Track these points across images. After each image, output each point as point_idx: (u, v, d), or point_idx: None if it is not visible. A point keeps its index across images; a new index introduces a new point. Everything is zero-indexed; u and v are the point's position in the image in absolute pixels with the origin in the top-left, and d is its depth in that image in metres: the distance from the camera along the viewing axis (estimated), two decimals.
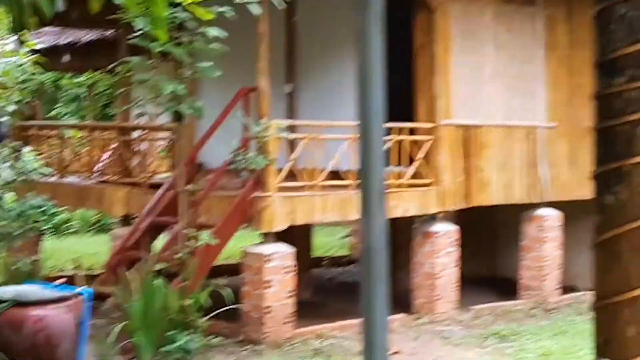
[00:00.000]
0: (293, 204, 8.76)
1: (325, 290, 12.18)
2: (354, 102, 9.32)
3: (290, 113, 11.16)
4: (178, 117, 6.98)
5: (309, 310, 9.62)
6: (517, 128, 10.76)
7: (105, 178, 10.65)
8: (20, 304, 6.32)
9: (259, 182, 8.61)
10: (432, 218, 10.02)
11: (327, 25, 11.21)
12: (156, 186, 9.81)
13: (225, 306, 7.85)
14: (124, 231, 10.10)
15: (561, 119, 11.18)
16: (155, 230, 8.88)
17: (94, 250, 15.44)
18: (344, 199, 9.17)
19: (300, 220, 8.89)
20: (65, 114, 27.45)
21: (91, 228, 17.90)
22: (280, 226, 8.64)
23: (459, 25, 10.16)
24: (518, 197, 10.76)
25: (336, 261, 15.13)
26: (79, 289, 6.48)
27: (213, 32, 6.84)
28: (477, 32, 10.34)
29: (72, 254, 14.85)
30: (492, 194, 10.47)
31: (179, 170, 7.86)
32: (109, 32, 19.41)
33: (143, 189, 9.81)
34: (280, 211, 8.61)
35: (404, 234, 12.64)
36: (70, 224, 17.07)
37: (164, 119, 12.59)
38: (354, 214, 9.32)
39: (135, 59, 7.17)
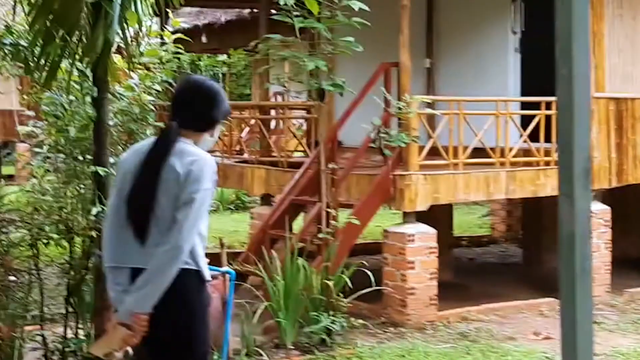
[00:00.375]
0: (436, 183, 8.47)
1: (467, 271, 11.82)
2: (495, 77, 8.94)
3: (429, 88, 10.85)
4: (320, 94, 6.80)
5: (451, 292, 9.31)
6: None
7: (245, 157, 10.67)
8: None
9: (400, 160, 8.36)
10: None
11: None
12: (295, 165, 9.73)
13: (366, 287, 7.69)
14: (264, 210, 10.09)
15: None
16: (295, 209, 8.79)
17: (233, 228, 15.62)
18: (489, 177, 8.81)
19: (442, 200, 8.59)
20: None
21: (229, 206, 18.14)
22: (422, 206, 8.38)
23: None
24: None
25: (476, 241, 14.72)
26: (224, 269, 6.42)
27: (357, 4, 6.61)
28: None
29: (212, 232, 15.02)
30: None
31: (320, 148, 7.70)
32: (246, 11, 19.59)
33: (282, 168, 9.74)
34: (422, 190, 8.34)
35: (549, 214, 12.14)
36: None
37: (299, 97, 12.52)
38: (499, 193, 8.94)
39: (276, 36, 7.04)
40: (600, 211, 9.47)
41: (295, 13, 7.02)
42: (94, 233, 5.25)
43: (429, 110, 8.11)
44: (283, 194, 8.44)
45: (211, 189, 3.48)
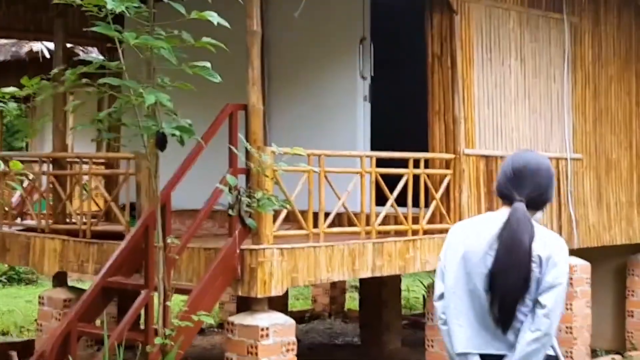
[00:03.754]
0: (293, 259, 6.60)
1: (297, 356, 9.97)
2: (341, 129, 7.25)
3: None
4: (160, 141, 4.78)
5: None
6: None
7: (31, 224, 8.26)
8: None
9: (248, 229, 6.43)
10: None
11: (301, 36, 9.18)
12: (99, 235, 7.53)
13: None
14: (57, 293, 7.75)
15: (587, 149, 9.41)
16: (106, 295, 6.57)
17: (7, 307, 12.86)
18: (354, 251, 7.06)
19: (301, 281, 6.73)
20: None
21: (0, 279, 15.20)
22: (278, 289, 6.47)
23: (482, 31, 8.27)
24: None
25: (297, 316, 12.90)
26: None
27: (216, 17, 4.69)
28: (500, 40, 8.47)
29: None
30: None
31: (157, 215, 5.61)
32: (23, 51, 16.96)
33: (85, 239, 7.49)
34: (278, 269, 6.45)
35: (391, 288, 10.66)
36: None
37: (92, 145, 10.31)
38: (365, 270, 7.22)
39: (97, 58, 4.95)
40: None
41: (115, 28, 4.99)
42: None
43: (282, 165, 6.20)
44: (99, 274, 6.19)
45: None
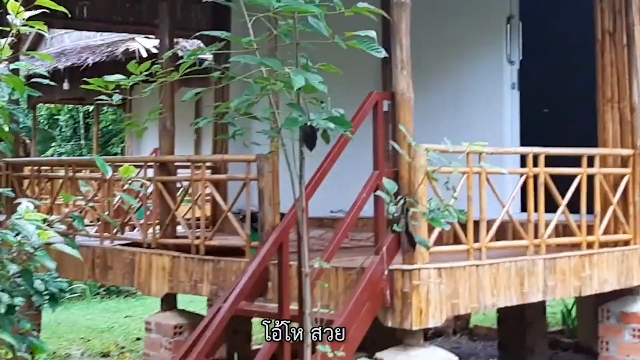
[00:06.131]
0: (454, 281, 5.36)
1: None
2: (484, 122, 5.68)
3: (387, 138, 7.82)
4: (309, 136, 3.61)
5: None
6: None
7: (136, 238, 7.23)
8: None
9: (398, 246, 5.24)
10: (629, 293, 6.66)
11: (439, 14, 7.97)
12: (213, 251, 6.44)
13: None
14: (166, 318, 6.70)
15: None
16: (231, 323, 5.45)
17: (107, 323, 12.00)
18: (523, 269, 5.78)
19: (464, 307, 5.46)
20: (62, 154, 24.01)
21: (98, 291, 14.40)
22: (436, 319, 5.25)
23: None
24: None
25: None
26: None
27: None
28: None
29: (79, 329, 11.44)
30: None
31: (280, 230, 4.47)
32: (119, 51, 16.23)
33: (199, 256, 6.41)
34: (436, 294, 5.22)
35: (534, 304, 9.29)
36: (72, 287, 13.59)
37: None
38: (536, 293, 5.92)
39: (224, 34, 3.83)
40: None
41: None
42: None
43: (456, 166, 4.95)
44: (228, 301, 5.06)
45: None
